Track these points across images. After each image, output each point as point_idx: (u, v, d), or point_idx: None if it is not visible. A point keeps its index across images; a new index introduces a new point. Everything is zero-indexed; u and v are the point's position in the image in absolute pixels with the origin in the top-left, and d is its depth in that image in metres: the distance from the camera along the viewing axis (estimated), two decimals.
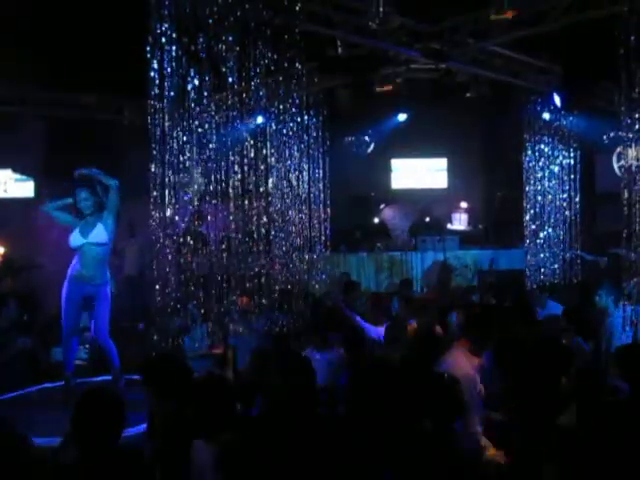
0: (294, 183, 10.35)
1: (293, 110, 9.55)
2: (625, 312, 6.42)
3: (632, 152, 7.02)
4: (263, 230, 8.87)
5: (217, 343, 7.19)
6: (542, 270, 11.07)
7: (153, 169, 6.99)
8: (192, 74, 6.79)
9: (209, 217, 7.99)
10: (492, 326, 4.68)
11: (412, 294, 9.66)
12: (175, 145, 7.11)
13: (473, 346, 4.48)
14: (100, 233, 6.02)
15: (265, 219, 8.99)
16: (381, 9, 7.33)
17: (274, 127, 9.47)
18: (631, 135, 6.90)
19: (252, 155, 8.45)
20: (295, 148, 10.19)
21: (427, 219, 13.52)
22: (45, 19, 8.78)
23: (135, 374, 6.78)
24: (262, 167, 8.78)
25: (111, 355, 6.26)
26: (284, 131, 9.77)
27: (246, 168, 8.31)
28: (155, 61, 6.50)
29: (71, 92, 10.77)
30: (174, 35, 6.44)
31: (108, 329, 6.21)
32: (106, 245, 6.09)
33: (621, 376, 4.09)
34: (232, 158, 8.12)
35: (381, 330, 6.17)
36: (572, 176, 11.09)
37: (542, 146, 11.07)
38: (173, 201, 7.19)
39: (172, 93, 6.70)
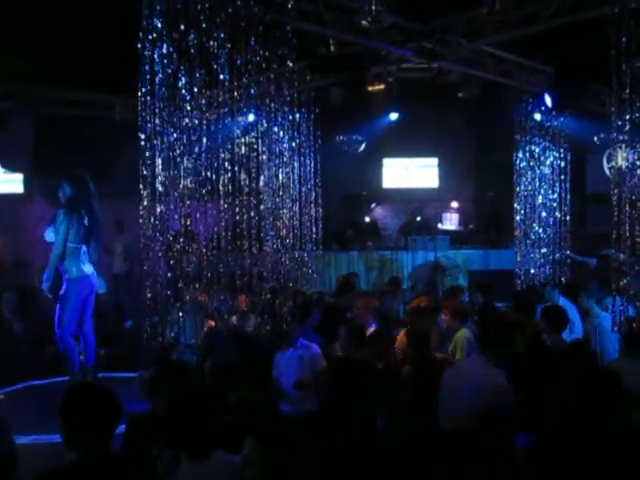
0: (285, 181, 10.32)
1: (285, 108, 9.54)
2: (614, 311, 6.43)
3: (622, 153, 7.03)
4: (254, 229, 8.85)
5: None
6: (532, 270, 11.09)
7: (143, 166, 6.95)
8: (183, 71, 6.75)
9: (198, 215, 7.95)
10: (509, 339, 4.54)
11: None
12: (166, 142, 7.07)
13: (492, 359, 4.35)
14: (49, 233, 6.04)
15: (256, 217, 8.97)
16: (373, 7, 7.31)
17: (265, 125, 9.43)
18: (621, 137, 6.91)
19: (243, 153, 8.42)
20: (286, 146, 10.17)
21: (418, 219, 13.55)
22: (36, 16, 8.72)
23: (120, 372, 6.80)
24: (253, 165, 8.76)
25: (69, 354, 6.11)
26: (275, 129, 9.75)
27: (237, 166, 8.28)
28: (146, 58, 6.46)
29: (61, 89, 10.72)
30: (165, 32, 6.41)
31: (61, 328, 6.05)
32: (55, 244, 6.03)
33: None
34: (223, 156, 8.09)
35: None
36: (562, 177, 11.10)
37: (533, 147, 11.08)
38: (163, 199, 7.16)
39: (163, 90, 6.67)
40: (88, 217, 6.10)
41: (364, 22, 7.58)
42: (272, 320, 7.56)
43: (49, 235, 6.05)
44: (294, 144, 10.34)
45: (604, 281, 7.34)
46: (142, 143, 6.78)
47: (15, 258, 11.16)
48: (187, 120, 7.04)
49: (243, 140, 8.47)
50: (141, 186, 6.90)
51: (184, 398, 3.37)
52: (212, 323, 7.59)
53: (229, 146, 8.24)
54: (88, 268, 6.15)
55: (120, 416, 3.05)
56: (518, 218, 11.30)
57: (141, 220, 6.97)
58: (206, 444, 3.17)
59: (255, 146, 8.89)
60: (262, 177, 9.49)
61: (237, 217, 8.54)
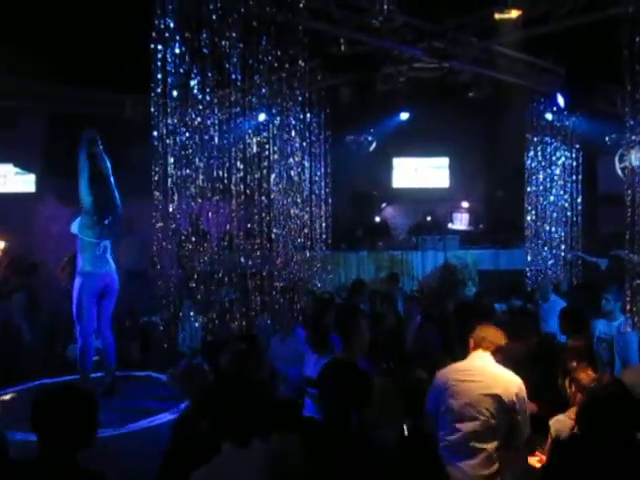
0: (296, 181, 10.32)
1: (296, 108, 9.54)
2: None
3: (635, 154, 7.00)
4: (265, 228, 8.86)
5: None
6: (543, 271, 11.05)
7: (155, 165, 6.97)
8: (195, 70, 6.77)
9: (210, 214, 7.97)
10: None
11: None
12: (178, 141, 7.09)
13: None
14: (74, 224, 6.18)
15: (267, 217, 8.98)
16: (385, 7, 7.31)
17: (276, 124, 9.44)
18: (634, 137, 6.88)
19: (254, 152, 8.43)
20: (297, 146, 10.17)
21: (428, 218, 13.52)
22: (47, 14, 8.75)
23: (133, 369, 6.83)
24: (264, 165, 8.76)
25: (84, 352, 6.10)
26: (286, 129, 9.75)
27: (248, 165, 8.29)
28: (158, 57, 6.48)
29: (73, 87, 10.74)
30: (177, 31, 6.43)
31: (80, 326, 6.09)
32: (76, 236, 6.16)
33: None
34: (234, 155, 8.10)
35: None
36: (574, 177, 11.06)
37: (544, 146, 11.05)
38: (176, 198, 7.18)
39: (174, 89, 6.68)
40: (111, 216, 6.14)
41: (375, 22, 7.57)
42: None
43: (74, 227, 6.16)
44: (305, 144, 10.34)
45: (616, 282, 7.31)
46: (154, 142, 6.80)
47: (32, 260, 11.16)
48: (199, 119, 7.06)
49: (254, 139, 8.47)
50: (153, 186, 6.92)
51: (227, 390, 3.47)
52: None
53: (240, 145, 8.24)
54: (104, 266, 6.14)
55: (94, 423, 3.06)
56: (529, 218, 11.27)
57: (153, 220, 6.99)
58: (249, 433, 3.26)
59: (266, 145, 8.90)
60: (273, 176, 9.50)
61: (248, 216, 8.56)
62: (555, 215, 11.10)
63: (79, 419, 2.98)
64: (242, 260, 8.07)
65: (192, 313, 7.24)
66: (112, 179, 6.20)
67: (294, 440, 3.38)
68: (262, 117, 9.32)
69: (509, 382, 4.13)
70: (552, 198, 11.11)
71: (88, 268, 6.06)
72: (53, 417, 2.94)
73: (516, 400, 4.06)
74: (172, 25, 6.40)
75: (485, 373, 4.19)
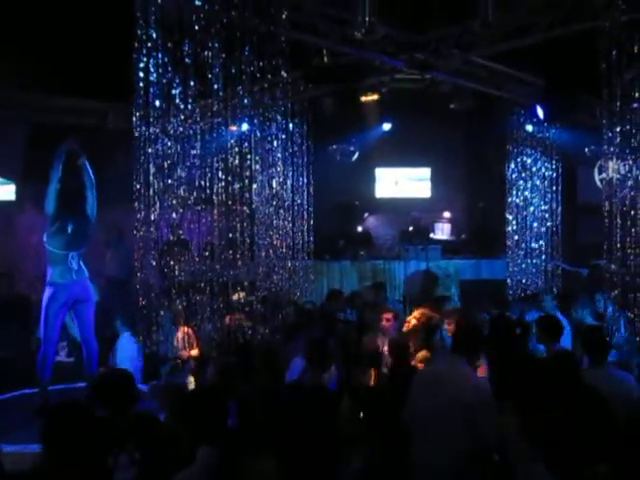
0: (278, 191, 10.33)
1: (278, 118, 9.57)
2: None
3: (613, 165, 7.09)
4: (247, 238, 8.85)
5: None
6: (523, 280, 11.13)
7: (137, 175, 6.96)
8: (177, 80, 6.77)
9: (192, 224, 7.95)
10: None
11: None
12: (160, 150, 7.08)
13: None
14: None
15: (249, 226, 8.98)
16: (367, 19, 7.35)
17: (259, 134, 9.45)
18: (612, 148, 6.97)
19: (236, 162, 8.43)
20: (279, 156, 10.19)
21: (410, 228, 13.55)
22: (29, 22, 8.72)
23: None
24: (246, 174, 8.77)
25: (43, 362, 6.12)
26: (269, 139, 9.77)
27: (230, 175, 8.29)
28: (140, 66, 6.48)
29: (55, 96, 10.69)
30: (160, 41, 6.43)
31: (43, 334, 6.10)
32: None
33: None
34: (216, 165, 8.10)
35: None
36: (554, 188, 11.17)
37: (524, 158, 11.16)
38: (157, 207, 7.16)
39: (157, 99, 6.68)
40: (73, 224, 6.14)
41: (357, 33, 7.61)
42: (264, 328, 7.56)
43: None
44: (287, 154, 10.36)
45: (595, 291, 7.39)
46: (136, 152, 6.79)
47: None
48: (181, 129, 7.06)
49: (236, 149, 8.47)
50: (135, 195, 6.90)
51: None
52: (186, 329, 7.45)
53: (223, 155, 8.24)
54: (74, 275, 6.13)
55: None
56: (510, 228, 11.36)
57: (135, 231, 6.97)
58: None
59: (248, 155, 8.90)
60: (255, 186, 9.50)
61: (230, 226, 8.54)
62: (535, 225, 11.20)
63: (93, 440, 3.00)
64: (223, 270, 8.04)
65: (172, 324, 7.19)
66: (89, 190, 6.20)
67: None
68: (245, 127, 9.33)
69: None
70: (532, 208, 11.21)
71: (56, 279, 6.09)
72: (68, 435, 2.94)
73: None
74: (155, 35, 6.41)
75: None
